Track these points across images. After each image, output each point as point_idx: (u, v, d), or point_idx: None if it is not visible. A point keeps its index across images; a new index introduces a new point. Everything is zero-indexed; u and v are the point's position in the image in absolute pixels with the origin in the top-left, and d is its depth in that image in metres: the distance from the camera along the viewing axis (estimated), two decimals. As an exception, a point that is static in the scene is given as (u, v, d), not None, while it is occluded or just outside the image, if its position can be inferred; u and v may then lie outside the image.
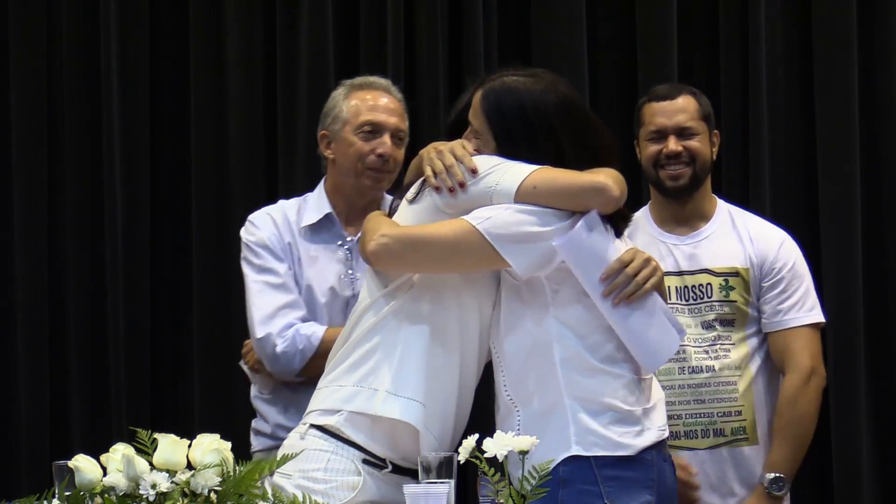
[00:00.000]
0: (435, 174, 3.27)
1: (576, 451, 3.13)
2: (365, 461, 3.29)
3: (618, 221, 3.34)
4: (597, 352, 3.23)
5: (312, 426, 3.33)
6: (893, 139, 5.16)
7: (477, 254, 3.22)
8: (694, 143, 4.03)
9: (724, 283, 4.01)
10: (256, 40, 5.44)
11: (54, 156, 5.50)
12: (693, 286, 4.01)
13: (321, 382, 3.41)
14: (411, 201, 3.35)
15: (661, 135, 4.04)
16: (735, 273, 4.02)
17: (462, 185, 3.25)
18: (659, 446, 3.29)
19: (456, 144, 3.31)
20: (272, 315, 3.89)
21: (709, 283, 4.01)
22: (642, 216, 4.14)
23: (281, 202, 4.12)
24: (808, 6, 5.24)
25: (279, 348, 3.86)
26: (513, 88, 3.28)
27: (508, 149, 3.28)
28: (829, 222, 5.13)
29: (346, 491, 3.25)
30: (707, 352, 3.99)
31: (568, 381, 3.21)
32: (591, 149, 3.29)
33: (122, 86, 5.42)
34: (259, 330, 3.90)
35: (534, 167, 3.25)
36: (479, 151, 3.32)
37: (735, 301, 4.01)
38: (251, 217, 4.08)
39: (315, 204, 4.04)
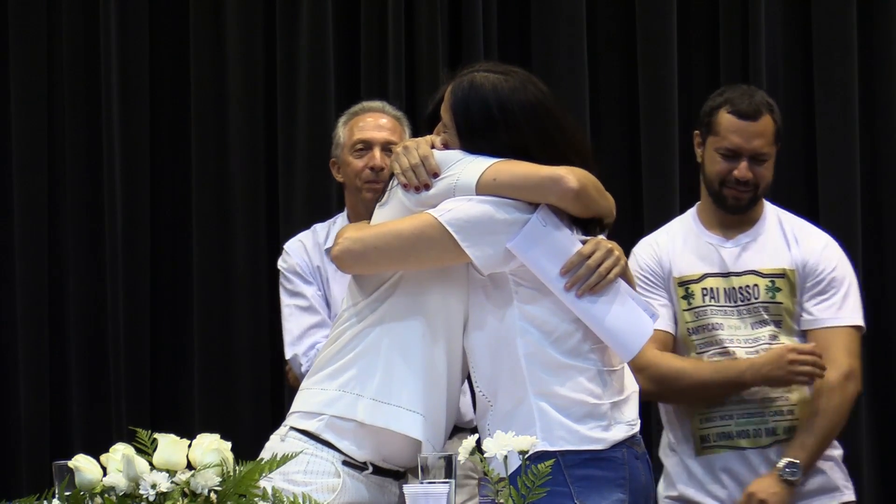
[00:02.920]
0: (402, 172, 3.29)
1: (541, 446, 3.12)
2: (345, 462, 3.29)
3: (587, 224, 3.32)
4: (561, 346, 3.21)
5: (293, 428, 3.33)
6: (893, 139, 5.16)
7: (438, 247, 3.21)
8: (762, 171, 4.03)
9: (770, 285, 4.02)
10: (256, 40, 5.44)
11: (54, 156, 5.50)
12: (740, 287, 4.02)
13: (304, 384, 3.41)
14: (381, 204, 3.36)
15: (734, 154, 4.01)
16: (782, 274, 4.04)
17: (427, 186, 3.26)
18: (630, 443, 3.27)
19: (422, 142, 3.32)
20: (300, 336, 4.20)
21: (755, 285, 4.02)
22: (689, 216, 4.17)
23: (315, 226, 4.42)
24: (808, 6, 5.24)
25: (304, 367, 4.11)
26: (479, 85, 3.27)
27: (470, 145, 3.27)
28: (829, 222, 5.13)
29: (326, 493, 3.25)
30: (757, 352, 3.99)
31: (532, 377, 3.20)
32: (560, 151, 3.27)
33: (122, 86, 5.42)
34: (288, 351, 4.22)
35: (494, 159, 3.25)
36: (446, 146, 3.32)
37: (782, 303, 4.01)
38: (285, 246, 4.40)
39: (340, 225, 4.29)
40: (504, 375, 3.23)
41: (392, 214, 3.33)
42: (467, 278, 3.32)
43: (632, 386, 3.35)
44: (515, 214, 3.22)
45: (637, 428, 3.30)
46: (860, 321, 4.08)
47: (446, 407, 3.34)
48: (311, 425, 3.30)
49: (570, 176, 3.22)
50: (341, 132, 4.35)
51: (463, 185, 3.25)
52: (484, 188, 3.23)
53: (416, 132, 4.56)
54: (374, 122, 4.31)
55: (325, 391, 3.32)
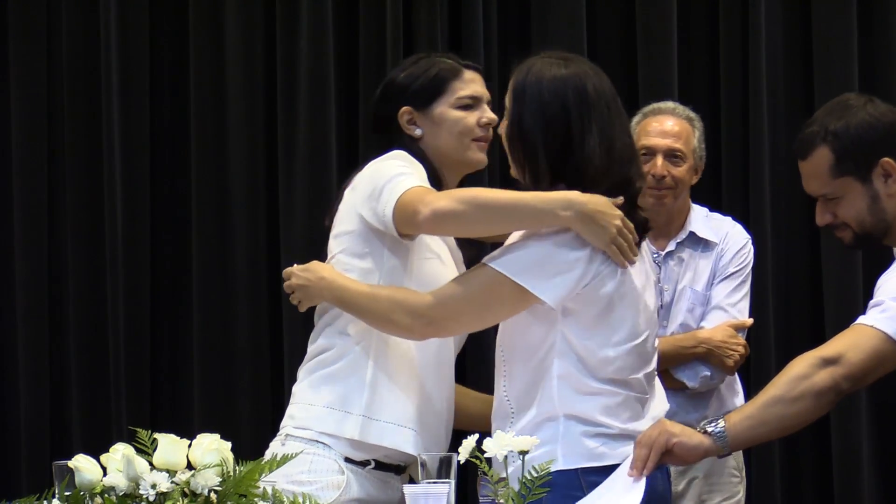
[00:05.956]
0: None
1: (561, 465, 3.11)
2: (347, 459, 3.30)
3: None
4: (598, 372, 3.18)
5: (290, 436, 3.34)
6: (893, 139, 5.16)
7: (511, 301, 3.16)
8: (841, 211, 3.38)
9: None
10: (256, 40, 5.44)
11: (54, 156, 5.50)
12: None
13: (294, 387, 3.41)
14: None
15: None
16: None
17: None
18: None
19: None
20: None
21: None
22: None
23: None
24: (808, 6, 5.25)
25: None
26: (535, 69, 3.25)
27: (520, 130, 3.24)
28: (829, 222, 5.13)
29: (332, 490, 3.26)
30: None
31: (563, 398, 3.18)
32: (607, 141, 3.20)
33: (122, 85, 5.42)
34: None
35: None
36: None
37: None
38: None
39: None
40: (535, 392, 3.20)
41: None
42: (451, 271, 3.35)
43: (661, 407, 3.32)
44: (577, 253, 3.18)
45: None
46: None
47: (445, 411, 3.36)
48: (306, 434, 3.31)
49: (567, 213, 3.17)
50: (634, 133, 4.17)
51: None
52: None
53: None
54: (659, 127, 4.25)
55: (312, 406, 3.33)
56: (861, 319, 3.26)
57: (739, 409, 3.19)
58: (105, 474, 2.78)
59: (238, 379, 5.36)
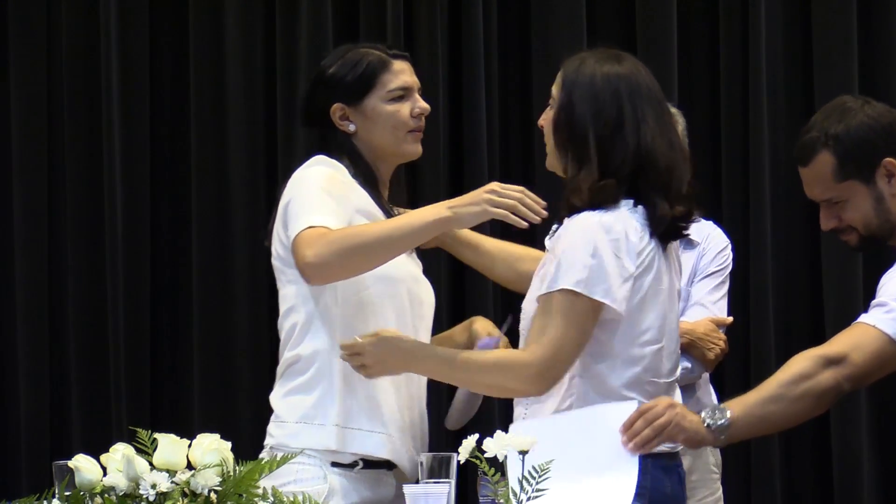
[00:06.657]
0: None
1: None
2: (334, 464, 3.29)
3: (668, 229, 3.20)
4: (620, 375, 3.15)
5: (274, 447, 3.33)
6: (893, 139, 5.16)
7: (592, 317, 3.10)
8: (846, 214, 3.36)
9: None
10: (256, 40, 5.44)
11: (54, 156, 5.50)
12: None
13: (270, 400, 3.40)
14: None
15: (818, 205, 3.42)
16: None
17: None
18: (655, 456, 3.22)
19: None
20: None
21: None
22: None
23: None
24: (808, 6, 5.25)
25: None
26: (588, 63, 3.23)
27: (569, 116, 3.21)
28: (829, 222, 5.13)
29: (321, 499, 3.26)
30: None
31: (580, 397, 3.16)
32: (667, 133, 3.19)
33: (122, 86, 5.42)
34: None
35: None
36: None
37: None
38: None
39: None
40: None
41: None
42: (409, 270, 3.37)
43: None
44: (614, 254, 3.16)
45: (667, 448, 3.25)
46: None
47: (417, 407, 3.39)
48: (287, 449, 3.30)
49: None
50: None
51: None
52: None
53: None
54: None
55: (286, 424, 3.32)
56: (863, 318, 3.24)
57: (741, 402, 3.13)
58: (105, 474, 2.78)
59: (238, 379, 5.36)
